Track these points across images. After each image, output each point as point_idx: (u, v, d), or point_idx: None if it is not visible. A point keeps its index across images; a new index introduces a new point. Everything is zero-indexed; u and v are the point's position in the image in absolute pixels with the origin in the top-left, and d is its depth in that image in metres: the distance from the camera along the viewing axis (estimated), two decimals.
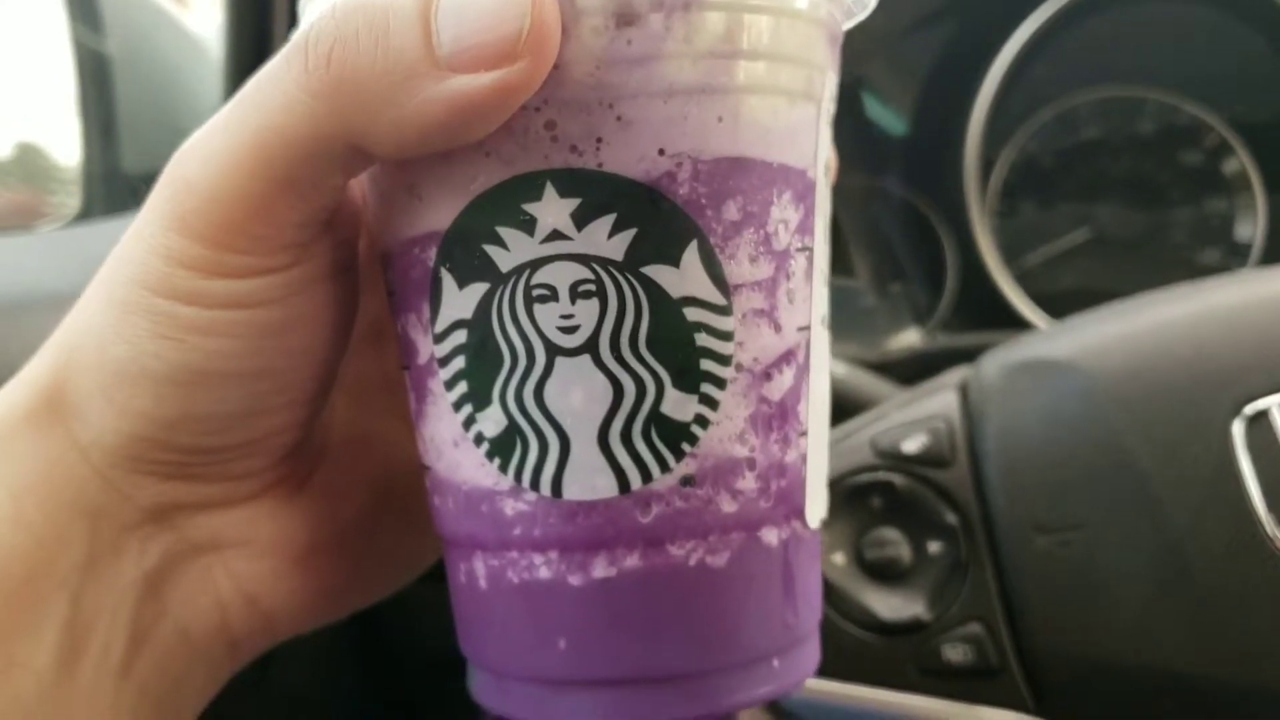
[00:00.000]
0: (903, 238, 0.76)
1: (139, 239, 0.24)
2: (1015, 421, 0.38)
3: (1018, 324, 0.70)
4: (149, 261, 0.24)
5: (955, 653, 0.36)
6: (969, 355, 0.43)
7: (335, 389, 0.29)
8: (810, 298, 0.25)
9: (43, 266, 0.41)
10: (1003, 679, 0.36)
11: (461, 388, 0.24)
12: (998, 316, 0.71)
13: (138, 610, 0.26)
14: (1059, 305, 0.69)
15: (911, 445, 0.39)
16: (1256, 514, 0.33)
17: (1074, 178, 0.73)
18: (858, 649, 0.37)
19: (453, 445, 0.25)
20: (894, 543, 0.38)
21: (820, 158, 0.26)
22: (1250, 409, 0.34)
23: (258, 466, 0.27)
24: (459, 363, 0.24)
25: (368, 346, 0.30)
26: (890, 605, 0.37)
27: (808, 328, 0.25)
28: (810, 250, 0.25)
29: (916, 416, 0.40)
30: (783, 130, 0.24)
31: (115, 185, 0.55)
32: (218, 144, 0.23)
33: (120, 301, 0.24)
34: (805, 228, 0.25)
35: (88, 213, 0.53)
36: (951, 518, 0.37)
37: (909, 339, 0.71)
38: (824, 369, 0.27)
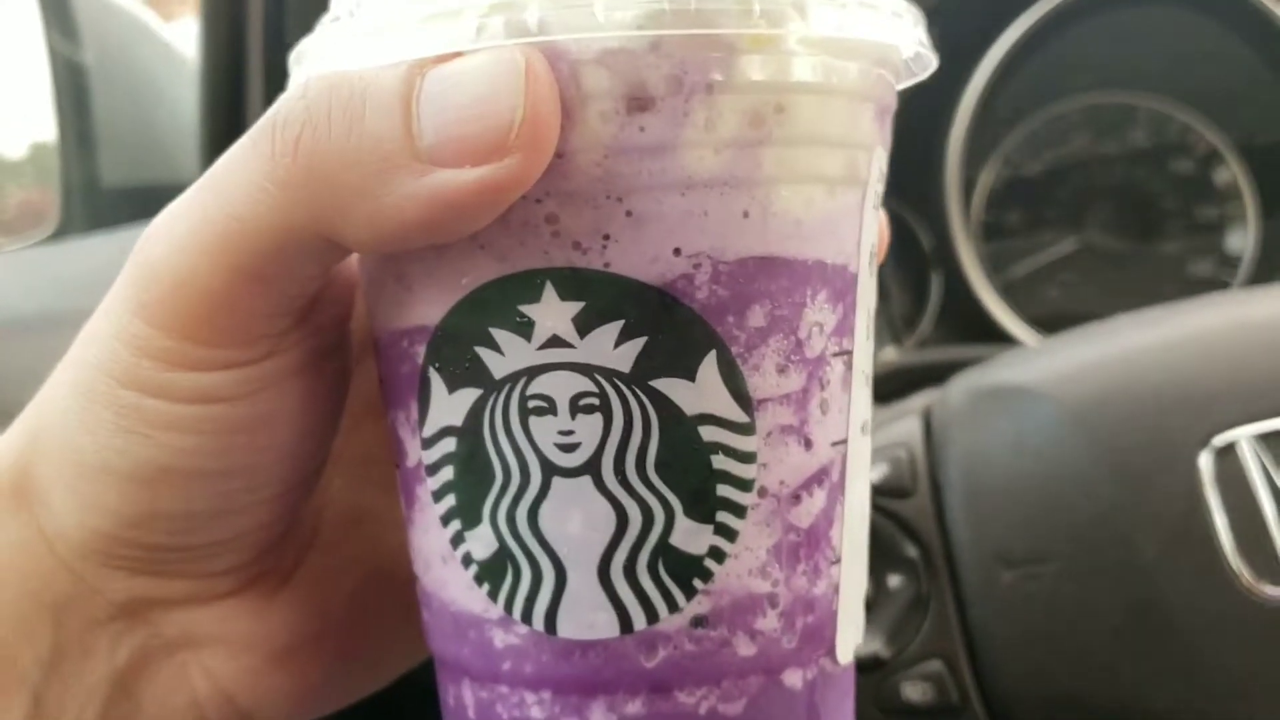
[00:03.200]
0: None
1: (107, 319, 0.22)
2: (979, 450, 0.37)
3: (1002, 338, 0.67)
4: (114, 348, 0.22)
5: (915, 691, 0.35)
6: (950, 370, 0.42)
7: (331, 465, 0.27)
8: (848, 407, 0.22)
9: (15, 288, 0.39)
10: (964, 718, 0.35)
11: (450, 501, 0.22)
12: (982, 330, 0.68)
13: (107, 708, 0.25)
14: (1045, 318, 0.67)
15: (870, 475, 0.37)
16: (1223, 549, 0.32)
17: (1061, 187, 0.71)
18: None
19: (440, 561, 0.22)
20: None
21: (864, 247, 0.23)
22: (1219, 440, 0.33)
23: (235, 563, 0.25)
24: (447, 473, 0.22)
25: (370, 420, 0.28)
26: None
27: (844, 441, 0.22)
28: (849, 354, 0.22)
29: (876, 444, 0.38)
30: (819, 222, 0.21)
31: (94, 199, 0.53)
32: (181, 230, 0.21)
33: (86, 389, 0.22)
34: (844, 329, 0.22)
35: (65, 229, 0.51)
36: (912, 550, 0.36)
37: (885, 356, 0.68)
38: (863, 481, 0.24)
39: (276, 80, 0.49)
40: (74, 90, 0.53)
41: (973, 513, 0.35)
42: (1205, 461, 0.33)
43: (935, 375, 0.43)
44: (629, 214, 0.20)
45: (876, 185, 0.23)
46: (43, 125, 0.53)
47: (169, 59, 0.62)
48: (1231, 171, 0.68)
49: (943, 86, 0.69)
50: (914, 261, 0.71)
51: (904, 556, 0.36)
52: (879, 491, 0.37)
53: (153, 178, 0.51)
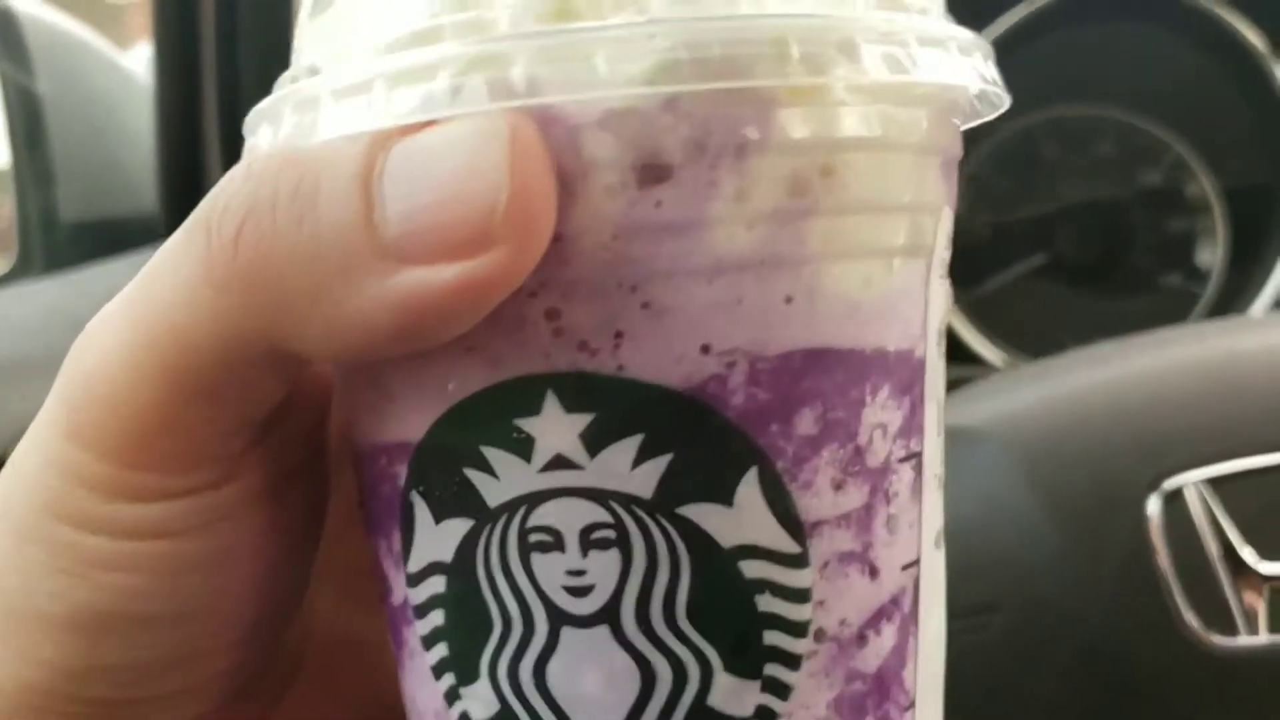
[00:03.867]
0: None
1: (37, 444, 0.19)
2: None
3: (969, 358, 0.66)
4: (45, 477, 0.19)
5: None
6: None
7: (316, 583, 0.24)
8: (919, 520, 0.19)
9: None
10: None
11: (441, 649, 0.18)
12: (949, 348, 0.66)
13: None
14: (1014, 334, 0.66)
15: None
16: (1173, 597, 0.32)
17: (1029, 201, 0.70)
18: None
19: (434, 718, 0.19)
20: None
21: (932, 325, 0.19)
22: (1167, 485, 0.33)
23: (196, 713, 0.21)
24: (437, 617, 0.18)
25: (357, 530, 0.24)
26: None
27: (916, 563, 0.19)
28: (919, 456, 0.19)
29: None
30: (878, 303, 0.17)
31: (52, 235, 0.50)
32: (113, 339, 0.17)
33: (14, 524, 0.19)
34: (911, 428, 0.18)
35: (24, 269, 0.48)
36: None
37: None
38: (938, 605, 0.20)
39: (230, 106, 0.47)
40: (28, 120, 0.51)
41: None
42: (1153, 507, 0.33)
43: None
44: (645, 306, 0.16)
45: (943, 252, 0.19)
46: None
47: (126, 86, 0.60)
48: (1200, 184, 0.68)
49: None
50: None
51: None
52: None
53: (113, 210, 0.49)
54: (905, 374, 0.18)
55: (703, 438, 0.16)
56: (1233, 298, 0.66)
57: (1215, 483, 0.33)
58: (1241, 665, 0.32)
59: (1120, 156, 0.68)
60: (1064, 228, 0.69)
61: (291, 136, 0.17)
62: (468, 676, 0.18)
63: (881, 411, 0.18)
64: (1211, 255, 0.67)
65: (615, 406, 0.16)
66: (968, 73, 0.18)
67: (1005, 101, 0.20)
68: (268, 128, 0.18)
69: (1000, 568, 0.34)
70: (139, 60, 0.60)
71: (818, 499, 0.17)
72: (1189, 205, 0.68)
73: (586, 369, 0.16)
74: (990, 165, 0.69)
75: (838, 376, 0.17)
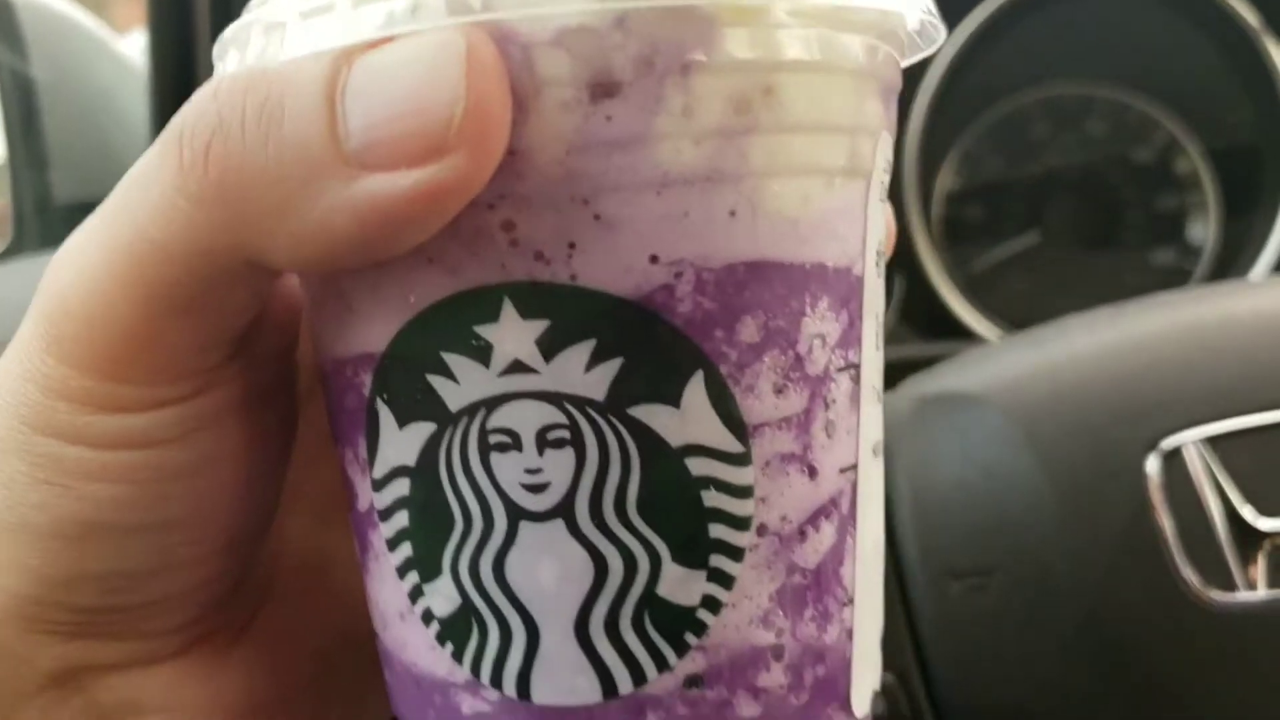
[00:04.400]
0: None
1: (17, 359, 0.20)
2: (926, 460, 0.36)
3: (965, 334, 0.67)
4: (26, 391, 0.19)
5: None
6: (911, 368, 0.42)
7: (288, 505, 0.24)
8: (857, 427, 0.20)
9: None
10: None
11: (405, 550, 0.19)
12: (944, 327, 0.68)
13: None
14: (1008, 312, 0.67)
15: None
16: (1172, 557, 0.32)
17: (1021, 180, 0.70)
18: None
19: (399, 618, 0.20)
20: None
21: (870, 244, 0.20)
22: (1165, 445, 0.33)
23: (179, 622, 0.22)
24: (402, 518, 0.19)
25: (328, 455, 0.25)
26: None
27: (853, 467, 0.20)
28: (856, 367, 0.20)
29: None
30: (817, 220, 0.18)
31: (48, 217, 0.51)
32: (92, 255, 0.18)
33: None
34: (849, 339, 0.19)
35: (18, 248, 0.49)
36: None
37: None
38: (876, 510, 0.21)
39: None
40: (23, 105, 0.51)
41: (919, 525, 0.35)
42: (1152, 466, 0.33)
43: (897, 374, 0.42)
44: (597, 218, 0.17)
45: (883, 175, 0.20)
46: None
47: (121, 71, 0.60)
48: (1191, 161, 0.68)
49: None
50: None
51: None
52: None
53: (106, 192, 0.49)
54: (843, 289, 0.19)
55: (651, 343, 0.17)
56: (1225, 273, 0.67)
57: (1214, 441, 0.32)
58: (1240, 621, 0.32)
59: (1113, 133, 0.69)
60: (1056, 206, 0.70)
61: (260, 59, 0.18)
62: (430, 574, 0.19)
63: (821, 323, 0.19)
64: (1204, 231, 0.68)
65: (569, 314, 0.17)
66: (906, 3, 0.19)
67: (942, 34, 0.21)
68: (235, 53, 0.19)
69: (999, 530, 0.34)
70: (134, 46, 0.60)
71: (760, 402, 0.18)
72: (1182, 181, 0.69)
73: (541, 278, 0.17)
74: (984, 143, 0.70)
75: (778, 288, 0.18)
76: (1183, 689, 0.32)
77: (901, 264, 0.68)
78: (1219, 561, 0.32)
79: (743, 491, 0.18)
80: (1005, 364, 0.38)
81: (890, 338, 0.68)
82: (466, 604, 0.19)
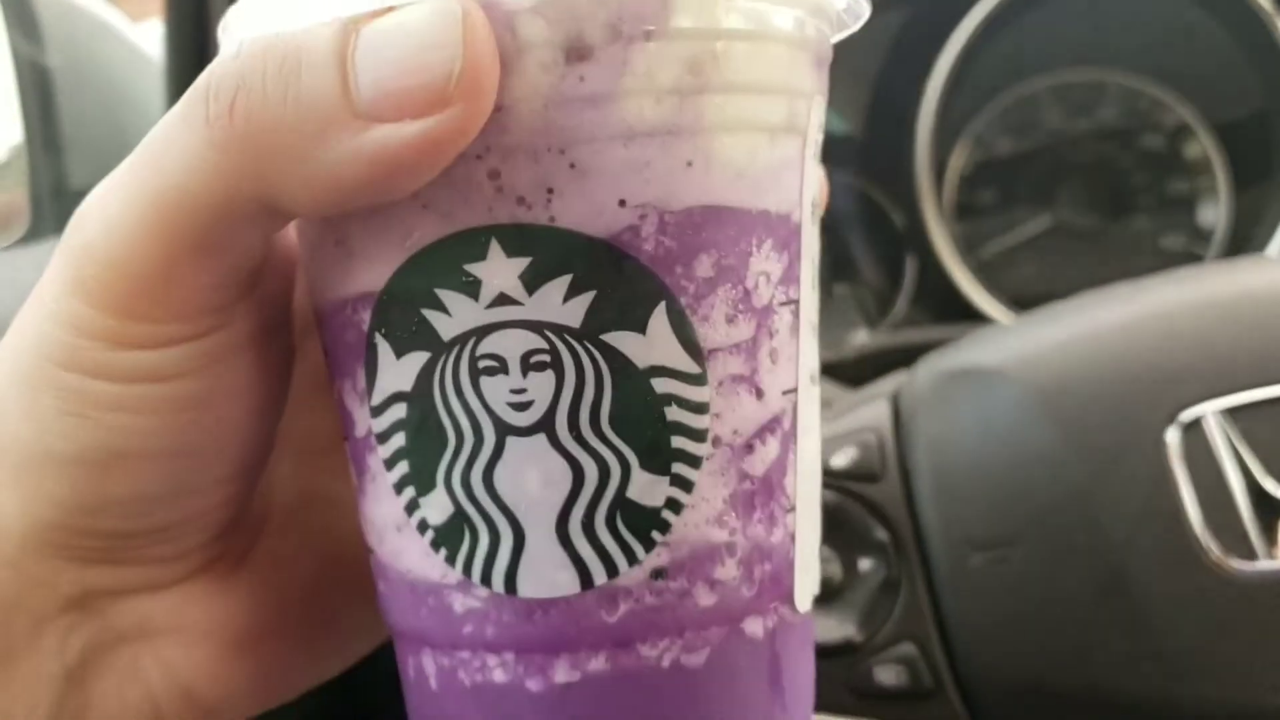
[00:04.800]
0: (857, 231, 0.74)
1: (42, 304, 0.22)
2: (947, 433, 0.36)
3: (977, 318, 0.68)
4: (51, 331, 0.21)
5: (888, 674, 0.35)
6: (924, 352, 0.42)
7: (278, 449, 0.27)
8: (797, 355, 0.23)
9: None
10: (937, 701, 0.35)
11: (402, 468, 0.22)
12: (956, 310, 0.69)
13: (58, 708, 0.24)
14: (1020, 296, 0.68)
15: (840, 460, 0.37)
16: (1192, 526, 0.32)
17: (1033, 165, 0.71)
18: None
19: (395, 530, 0.22)
20: (823, 560, 0.36)
21: (806, 197, 0.23)
22: (1186, 416, 0.33)
23: (187, 547, 0.24)
24: (399, 440, 0.21)
25: (315, 399, 0.28)
26: (821, 626, 0.36)
27: (794, 390, 0.23)
28: (796, 303, 0.22)
29: (845, 429, 0.38)
30: (762, 171, 0.21)
31: (63, 203, 0.52)
32: (116, 206, 0.20)
33: (24, 376, 0.22)
34: (790, 278, 0.22)
35: (35, 233, 0.50)
36: (882, 534, 0.36)
37: (859, 339, 0.69)
38: (814, 432, 0.24)
39: None
40: (39, 93, 0.52)
41: (941, 496, 0.35)
42: (1172, 437, 0.33)
43: (910, 357, 0.43)
44: (572, 166, 0.19)
45: (816, 135, 0.23)
46: (9, 129, 0.51)
47: (136, 61, 0.60)
48: (1202, 145, 0.69)
49: (912, 66, 0.69)
50: (887, 243, 0.72)
51: (874, 540, 0.36)
52: (848, 476, 0.37)
53: None
54: (784, 233, 0.22)
55: (621, 277, 0.20)
56: (1235, 257, 0.67)
57: (1234, 412, 0.33)
58: (1262, 590, 0.32)
59: (1124, 118, 0.69)
60: (1067, 191, 0.70)
61: (268, 28, 0.20)
62: (425, 487, 0.21)
63: (765, 262, 0.21)
64: (1214, 214, 0.68)
65: (548, 252, 0.20)
66: None
67: (866, 12, 0.24)
68: (242, 24, 0.21)
69: (1020, 502, 0.34)
70: (151, 35, 0.61)
71: (714, 330, 0.21)
72: (1192, 166, 0.69)
73: (524, 221, 0.20)
74: (995, 131, 0.70)
75: (729, 230, 0.21)
76: (1204, 658, 0.32)
77: (914, 248, 0.69)
78: (1239, 531, 0.32)
79: (700, 408, 0.21)
80: (1024, 338, 0.38)
81: (903, 321, 0.70)
82: (459, 512, 0.21)
